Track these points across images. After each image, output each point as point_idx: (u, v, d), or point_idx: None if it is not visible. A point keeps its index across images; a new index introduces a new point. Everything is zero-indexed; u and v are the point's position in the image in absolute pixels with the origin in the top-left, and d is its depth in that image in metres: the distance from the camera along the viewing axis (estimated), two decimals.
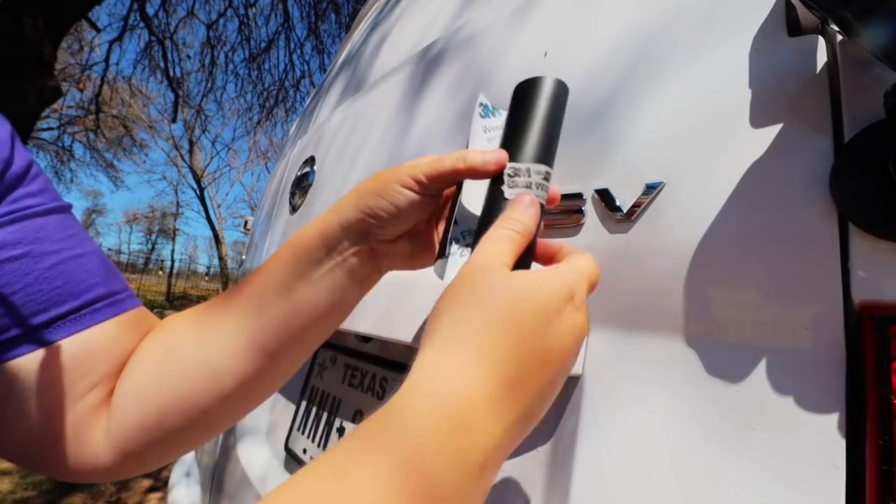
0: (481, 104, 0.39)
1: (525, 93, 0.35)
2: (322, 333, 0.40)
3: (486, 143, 0.37)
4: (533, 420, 0.27)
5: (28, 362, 0.35)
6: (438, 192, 0.37)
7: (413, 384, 0.24)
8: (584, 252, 0.31)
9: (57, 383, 0.36)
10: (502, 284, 0.27)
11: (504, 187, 0.32)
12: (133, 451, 0.38)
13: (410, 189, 0.36)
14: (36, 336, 0.35)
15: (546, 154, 0.34)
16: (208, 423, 0.40)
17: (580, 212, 0.39)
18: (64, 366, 0.36)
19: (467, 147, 0.37)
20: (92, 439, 0.37)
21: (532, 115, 0.34)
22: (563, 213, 0.40)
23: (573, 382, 0.37)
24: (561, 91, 0.35)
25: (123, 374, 0.39)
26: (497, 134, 0.37)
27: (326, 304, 0.39)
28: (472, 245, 0.32)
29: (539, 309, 0.27)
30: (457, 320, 0.26)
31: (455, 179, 0.35)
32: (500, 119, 0.38)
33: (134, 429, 0.38)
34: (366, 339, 0.70)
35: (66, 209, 0.40)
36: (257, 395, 0.41)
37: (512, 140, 0.34)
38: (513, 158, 0.33)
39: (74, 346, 0.37)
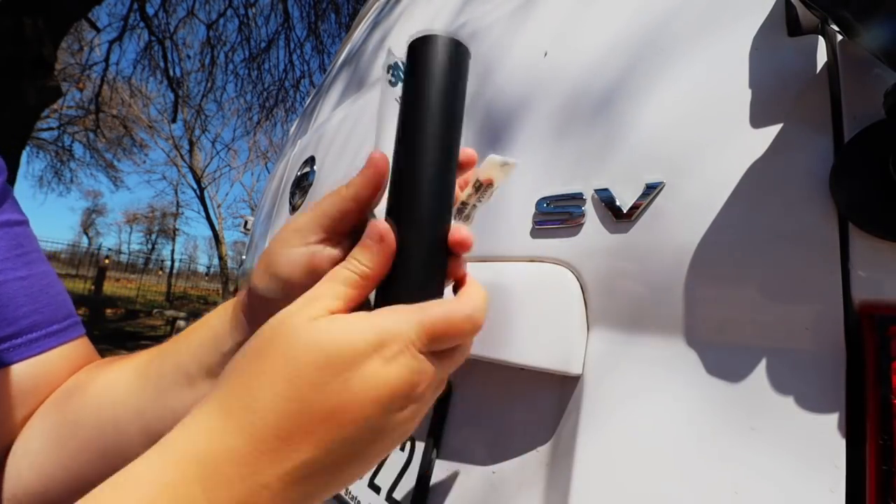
0: (390, 67, 0.32)
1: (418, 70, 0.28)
2: None
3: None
4: (329, 477, 0.24)
5: None
6: (335, 240, 0.31)
7: (159, 444, 0.23)
8: (465, 295, 0.27)
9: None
10: (293, 335, 0.24)
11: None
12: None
13: (302, 247, 0.30)
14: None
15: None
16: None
17: (580, 212, 0.39)
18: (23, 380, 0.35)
19: (378, 126, 0.31)
20: None
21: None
22: (563, 213, 0.40)
23: (573, 382, 0.37)
24: (458, 56, 0.29)
25: (28, 422, 0.37)
26: None
27: None
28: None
29: (326, 361, 0.23)
30: (232, 373, 0.24)
31: (349, 216, 0.30)
32: None
33: (23, 493, 0.35)
34: None
35: (21, 223, 0.38)
36: None
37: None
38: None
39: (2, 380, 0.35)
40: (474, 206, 0.31)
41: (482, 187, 0.30)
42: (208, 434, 0.23)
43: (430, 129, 0.28)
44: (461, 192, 0.31)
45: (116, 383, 0.37)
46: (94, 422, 0.35)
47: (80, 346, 0.40)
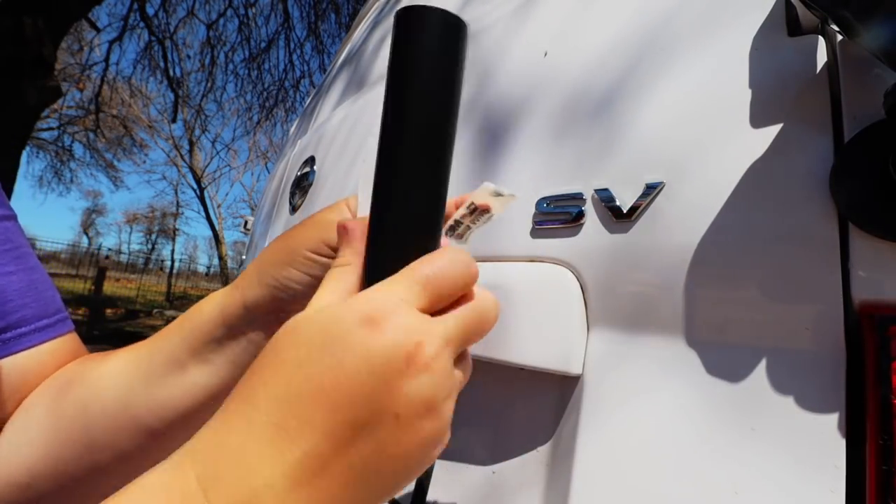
0: None
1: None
2: None
3: None
4: (352, 479, 0.21)
5: None
6: None
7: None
8: (477, 297, 0.25)
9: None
10: (289, 328, 0.23)
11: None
12: None
13: (326, 256, 0.31)
14: None
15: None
16: (83, 493, 0.36)
17: (580, 212, 0.39)
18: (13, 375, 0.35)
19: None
20: None
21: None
22: (563, 213, 0.40)
23: (573, 382, 0.37)
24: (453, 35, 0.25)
25: (14, 415, 0.37)
26: None
27: (224, 386, 0.34)
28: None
29: (310, 340, 0.22)
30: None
31: None
32: None
33: (6, 485, 0.35)
34: None
35: (8, 218, 0.38)
36: (141, 473, 0.39)
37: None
38: None
39: (29, 359, 0.35)
40: (468, 227, 0.30)
41: (477, 211, 0.30)
42: (208, 433, 0.22)
43: (418, 109, 0.25)
44: (455, 210, 0.30)
45: (106, 376, 0.36)
46: (81, 415, 0.35)
47: (68, 341, 0.40)
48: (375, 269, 0.25)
